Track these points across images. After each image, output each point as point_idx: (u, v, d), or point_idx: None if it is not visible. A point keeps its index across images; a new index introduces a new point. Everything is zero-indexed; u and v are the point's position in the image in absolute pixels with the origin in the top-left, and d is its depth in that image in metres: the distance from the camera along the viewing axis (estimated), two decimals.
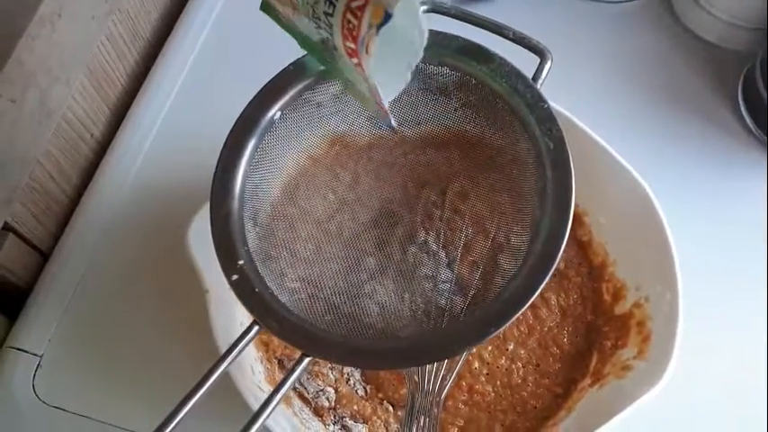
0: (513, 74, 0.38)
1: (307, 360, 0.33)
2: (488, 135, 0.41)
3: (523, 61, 0.39)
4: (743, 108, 0.61)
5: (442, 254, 0.41)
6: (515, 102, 0.38)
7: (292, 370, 0.33)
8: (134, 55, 0.65)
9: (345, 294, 0.39)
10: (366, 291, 0.39)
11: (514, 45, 0.39)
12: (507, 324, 0.33)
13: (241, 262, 0.35)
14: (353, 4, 0.30)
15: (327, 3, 0.31)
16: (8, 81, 0.47)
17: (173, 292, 0.54)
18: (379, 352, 0.35)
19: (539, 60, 0.39)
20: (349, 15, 0.30)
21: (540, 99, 0.37)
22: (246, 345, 0.34)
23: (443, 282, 0.40)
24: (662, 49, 0.65)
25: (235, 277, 0.35)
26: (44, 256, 0.58)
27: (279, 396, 0.32)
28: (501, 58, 0.38)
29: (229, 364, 0.33)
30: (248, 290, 0.35)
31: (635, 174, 0.47)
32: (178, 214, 0.48)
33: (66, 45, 0.53)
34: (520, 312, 0.33)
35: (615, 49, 0.65)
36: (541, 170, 0.36)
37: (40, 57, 0.49)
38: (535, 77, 0.38)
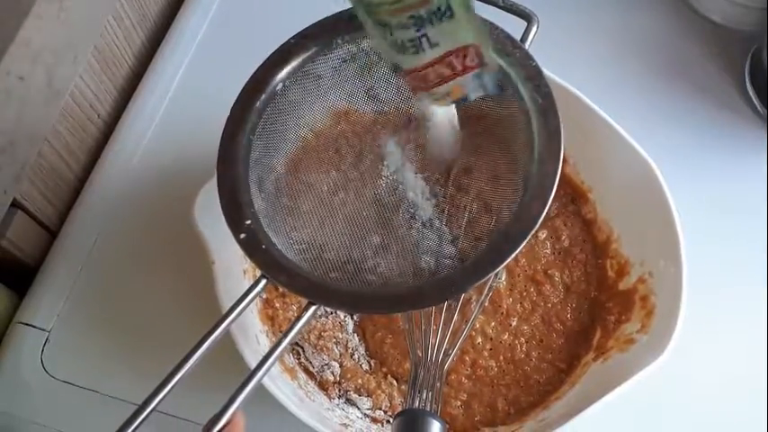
0: (502, 37, 0.39)
1: (313, 308, 0.34)
2: (483, 99, 0.42)
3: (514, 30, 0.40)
4: (749, 87, 0.61)
5: (436, 211, 0.43)
6: (505, 62, 0.39)
7: (299, 318, 0.33)
8: (141, 36, 0.65)
9: (348, 256, 0.40)
10: (368, 252, 0.40)
11: (504, 14, 0.41)
12: (503, 265, 0.35)
13: (248, 222, 0.37)
14: (439, 70, 0.37)
15: (413, 45, 0.36)
16: (16, 59, 0.47)
17: (179, 267, 0.55)
18: (383, 297, 0.36)
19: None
20: (430, 71, 0.37)
21: (528, 58, 0.39)
22: (254, 298, 0.34)
23: (442, 239, 0.42)
24: (669, 29, 0.64)
25: (242, 236, 0.36)
26: (52, 234, 0.58)
27: (287, 340, 0.33)
28: (491, 24, 0.40)
29: (238, 315, 0.34)
30: (256, 246, 0.36)
31: (641, 150, 0.47)
32: (183, 192, 0.49)
33: (74, 24, 0.53)
34: (514, 254, 0.34)
35: (622, 28, 0.64)
36: (532, 123, 0.38)
37: (47, 35, 0.50)
38: (523, 39, 0.40)
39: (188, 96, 0.63)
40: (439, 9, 0.34)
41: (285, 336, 0.33)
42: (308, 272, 0.36)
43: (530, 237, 0.34)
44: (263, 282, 0.35)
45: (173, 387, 0.31)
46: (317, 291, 0.35)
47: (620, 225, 0.50)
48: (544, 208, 0.35)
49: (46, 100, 0.52)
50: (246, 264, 0.50)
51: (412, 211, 0.43)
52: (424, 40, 0.35)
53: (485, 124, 0.42)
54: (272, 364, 0.32)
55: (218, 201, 0.44)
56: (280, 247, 0.37)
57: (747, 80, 0.61)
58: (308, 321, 0.34)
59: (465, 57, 0.37)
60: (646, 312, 0.45)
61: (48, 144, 0.55)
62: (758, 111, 0.60)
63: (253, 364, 0.41)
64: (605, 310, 0.50)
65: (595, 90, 0.49)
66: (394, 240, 0.41)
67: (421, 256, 0.41)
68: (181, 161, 0.59)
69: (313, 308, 0.34)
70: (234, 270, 0.48)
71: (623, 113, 0.49)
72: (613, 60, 0.63)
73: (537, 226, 0.35)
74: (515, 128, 0.40)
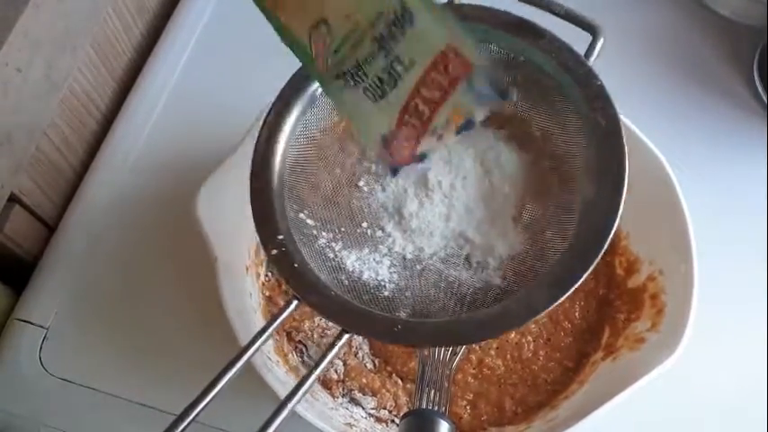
0: (563, 50, 0.36)
1: (346, 336, 0.32)
2: (536, 115, 0.39)
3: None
4: (758, 82, 0.60)
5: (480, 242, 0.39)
6: (565, 79, 0.36)
7: (332, 345, 0.32)
8: (140, 28, 0.64)
9: (385, 279, 0.38)
10: (407, 274, 0.38)
11: (557, 21, 0.38)
12: (558, 302, 0.32)
13: (281, 237, 0.35)
14: (426, 95, 0.30)
15: (389, 75, 0.30)
16: (14, 49, 0.46)
17: (180, 264, 0.54)
18: (421, 330, 0.33)
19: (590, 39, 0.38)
20: (419, 100, 0.30)
21: (592, 76, 0.35)
22: (283, 321, 0.33)
23: (483, 268, 0.39)
24: (678, 24, 0.64)
25: (275, 252, 0.34)
26: (50, 229, 0.57)
27: (318, 371, 0.31)
28: (551, 35, 0.36)
29: (269, 336, 0.32)
30: (288, 264, 0.34)
31: (652, 146, 0.47)
32: (185, 186, 0.48)
33: (72, 15, 0.52)
34: (573, 288, 0.32)
35: (632, 23, 0.64)
36: (592, 147, 0.35)
37: (45, 26, 0.49)
38: (587, 55, 0.36)
39: (188, 89, 0.62)
40: (396, 17, 0.29)
41: (316, 367, 0.31)
42: (341, 295, 0.34)
43: (583, 278, 0.32)
44: (295, 303, 0.33)
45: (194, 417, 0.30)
46: (350, 318, 0.33)
47: (630, 222, 0.49)
48: (603, 245, 0.32)
49: (44, 92, 0.51)
50: (249, 260, 0.49)
51: (457, 238, 0.39)
52: (395, 64, 0.30)
53: (538, 147, 0.39)
54: (302, 397, 0.31)
55: (220, 196, 0.44)
56: (312, 265, 0.35)
57: (756, 75, 0.61)
58: (341, 349, 0.32)
59: (446, 67, 0.31)
60: (656, 311, 0.45)
61: (46, 137, 0.54)
62: (766, 106, 0.60)
63: (263, 372, 0.40)
64: (614, 308, 0.49)
65: (604, 85, 0.48)
66: (434, 265, 0.38)
67: (462, 287, 0.38)
68: (182, 155, 0.58)
69: (347, 336, 0.32)
70: (236, 266, 0.47)
71: (630, 109, 0.48)
72: (623, 55, 0.62)
73: (599, 256, 0.32)
74: (573, 152, 0.36)
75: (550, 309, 0.32)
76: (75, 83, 0.56)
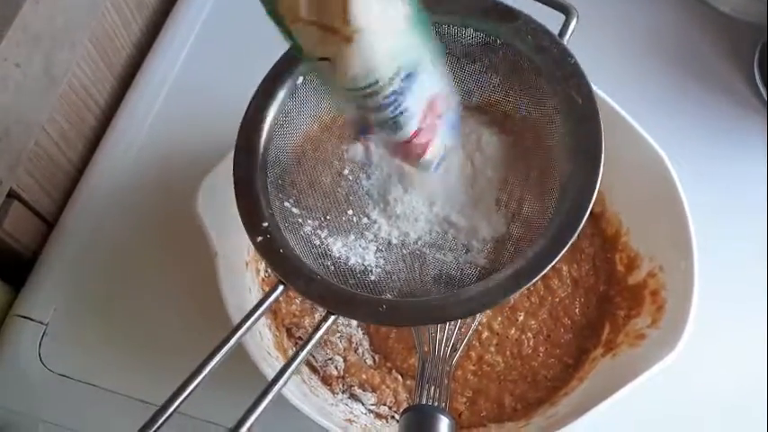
0: (538, 31, 0.37)
1: (332, 318, 0.33)
2: (515, 97, 0.40)
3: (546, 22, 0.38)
4: (758, 80, 0.60)
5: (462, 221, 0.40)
6: (541, 59, 0.37)
7: (317, 327, 0.32)
8: (139, 23, 0.64)
9: (371, 263, 0.38)
10: (392, 258, 0.38)
11: (536, 7, 0.38)
12: (538, 277, 0.33)
13: (266, 224, 0.35)
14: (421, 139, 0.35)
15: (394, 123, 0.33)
16: (12, 44, 0.46)
17: (179, 259, 0.54)
18: (405, 309, 0.34)
19: (563, 19, 0.38)
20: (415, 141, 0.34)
21: (566, 55, 0.36)
22: (270, 305, 0.33)
23: (467, 251, 0.39)
24: (678, 21, 0.64)
25: (260, 239, 0.35)
26: (49, 225, 0.57)
27: (304, 352, 0.32)
28: (526, 16, 0.37)
29: (255, 322, 0.33)
30: (273, 250, 0.35)
31: (652, 142, 0.47)
32: (184, 182, 0.48)
33: (71, 10, 0.52)
34: (552, 263, 0.33)
35: (631, 18, 0.64)
36: (569, 126, 0.35)
37: (44, 21, 0.49)
38: (561, 34, 0.37)
39: (188, 85, 0.61)
40: (409, 75, 0.31)
41: (303, 348, 0.32)
42: (326, 279, 0.35)
43: (567, 248, 0.33)
44: (281, 288, 0.34)
45: (182, 402, 0.30)
46: (336, 300, 0.33)
47: (630, 218, 0.50)
48: (582, 219, 0.33)
49: (43, 87, 0.51)
50: (249, 256, 0.49)
51: (442, 222, 0.40)
52: (400, 116, 0.32)
53: (517, 128, 0.40)
54: (289, 377, 0.31)
55: (220, 192, 0.43)
56: (298, 251, 0.35)
57: (756, 72, 0.61)
58: (326, 331, 0.33)
59: (434, 109, 0.34)
60: (656, 307, 0.45)
61: (45, 133, 0.54)
62: (767, 103, 0.60)
63: (262, 365, 0.40)
64: (614, 304, 0.49)
65: (602, 81, 0.48)
66: (419, 249, 0.39)
67: (448, 270, 0.38)
68: (181, 151, 0.58)
69: (332, 318, 0.33)
70: (236, 262, 0.47)
71: (633, 104, 0.48)
72: (623, 51, 0.62)
73: (576, 233, 0.33)
74: (551, 132, 0.37)
75: (531, 283, 0.33)
76: (74, 78, 0.56)
